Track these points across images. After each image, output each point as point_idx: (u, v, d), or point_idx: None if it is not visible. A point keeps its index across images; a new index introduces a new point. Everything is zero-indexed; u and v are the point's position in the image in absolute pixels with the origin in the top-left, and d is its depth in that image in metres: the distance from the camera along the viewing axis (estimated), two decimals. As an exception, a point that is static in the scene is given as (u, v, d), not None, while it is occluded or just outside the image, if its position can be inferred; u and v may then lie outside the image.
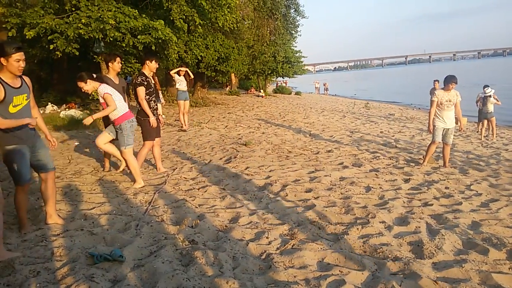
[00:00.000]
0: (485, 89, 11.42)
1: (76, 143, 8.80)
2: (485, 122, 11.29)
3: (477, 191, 5.49)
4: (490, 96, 11.19)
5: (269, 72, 32.42)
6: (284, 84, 42.76)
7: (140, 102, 5.77)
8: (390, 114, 17.26)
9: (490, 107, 11.13)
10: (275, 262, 3.30)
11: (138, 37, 10.96)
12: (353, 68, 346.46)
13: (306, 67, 42.94)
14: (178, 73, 11.10)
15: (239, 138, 9.79)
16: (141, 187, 5.44)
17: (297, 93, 36.26)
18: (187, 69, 11.50)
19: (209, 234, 3.88)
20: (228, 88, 33.03)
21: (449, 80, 6.78)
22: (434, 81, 13.93)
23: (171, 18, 12.20)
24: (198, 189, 5.48)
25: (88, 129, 10.47)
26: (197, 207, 4.67)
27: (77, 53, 10.56)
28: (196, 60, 16.86)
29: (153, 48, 11.58)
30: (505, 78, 44.77)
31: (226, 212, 4.54)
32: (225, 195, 5.17)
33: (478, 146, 9.57)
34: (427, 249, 3.56)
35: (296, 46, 34.16)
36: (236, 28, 17.12)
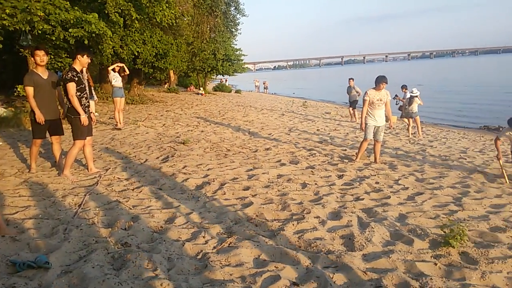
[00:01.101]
0: (412, 90, 12.16)
1: (0, 143, 8.17)
2: (410, 120, 12.02)
3: (404, 185, 5.83)
4: (416, 96, 11.93)
5: (209, 69, 32.18)
6: (224, 82, 42.72)
7: (70, 98, 5.48)
8: (326, 113, 17.86)
9: (415, 107, 11.88)
10: (211, 261, 3.27)
11: (70, 30, 10.38)
12: (292, 67, 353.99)
13: (246, 66, 43.16)
14: (113, 69, 10.68)
15: (177, 137, 9.62)
16: (71, 189, 5.16)
17: (237, 91, 36.37)
18: (123, 65, 11.09)
19: (143, 236, 3.77)
20: (166, 85, 32.32)
21: (380, 80, 7.12)
22: (349, 79, 14.72)
23: (106, 12, 11.70)
24: (133, 189, 5.30)
25: (13, 128, 9.75)
26: (131, 208, 4.52)
27: (0, 46, 9.79)
28: (133, 56, 16.32)
29: (86, 42, 11.02)
30: (432, 79, 48.10)
31: (162, 212, 4.44)
32: (161, 195, 5.05)
33: (406, 143, 10.18)
34: (357, 241, 3.72)
35: (236, 44, 34.24)
36: (175, 24, 16.77)
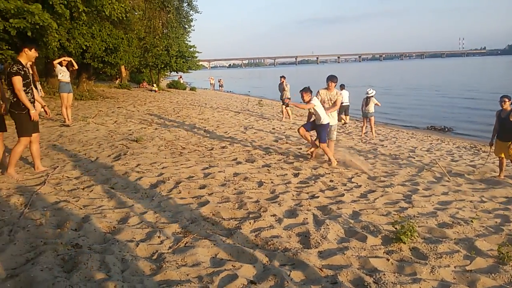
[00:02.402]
0: (367, 90, 12.53)
1: None
2: (365, 120, 12.40)
3: (357, 183, 6.00)
4: (372, 96, 12.29)
5: (162, 66, 31.54)
6: (179, 79, 42.05)
7: (17, 93, 5.15)
8: (281, 112, 18.02)
9: (371, 107, 12.24)
10: (167, 262, 3.20)
11: (10, 21, 9.77)
12: (247, 65, 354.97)
13: (200, 63, 42.68)
14: (60, 63, 10.16)
15: (130, 134, 9.33)
16: (16, 189, 4.85)
17: (192, 89, 35.94)
18: (71, 59, 10.59)
19: (95, 237, 3.61)
20: (118, 81, 31.34)
21: (328, 79, 7.30)
22: (280, 77, 14.94)
23: (51, 3, 11.10)
24: (83, 188, 5.07)
25: None
26: (81, 208, 4.32)
27: None
28: (81, 50, 15.67)
29: (29, 34, 10.42)
30: (382, 80, 49.98)
31: (115, 212, 4.27)
32: (113, 195, 4.86)
33: (359, 142, 10.48)
34: (313, 239, 3.77)
35: (190, 41, 33.76)
36: (125, 18, 16.24)
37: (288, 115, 14.68)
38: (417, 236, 3.83)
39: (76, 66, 10.81)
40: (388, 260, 3.40)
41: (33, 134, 5.50)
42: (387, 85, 42.67)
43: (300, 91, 7.29)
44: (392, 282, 2.99)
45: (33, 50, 5.32)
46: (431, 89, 35.58)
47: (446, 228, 4.18)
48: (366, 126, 12.36)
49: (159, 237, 3.69)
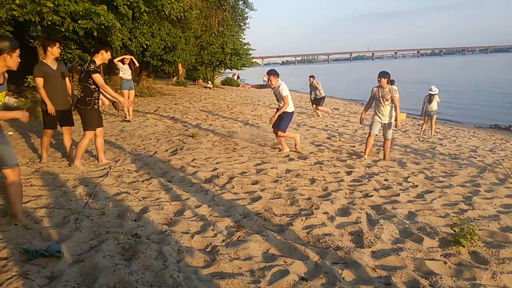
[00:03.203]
0: (431, 88, 12.03)
1: (10, 133, 8.23)
2: (426, 118, 11.91)
3: (413, 183, 5.80)
4: (435, 94, 11.80)
5: (217, 63, 32.16)
6: (233, 76, 42.67)
7: (102, 88, 5.61)
8: (335, 109, 17.77)
9: (434, 105, 11.75)
10: (220, 254, 3.28)
11: (79, 22, 10.40)
12: (300, 62, 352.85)
13: (254, 60, 43.04)
14: (122, 61, 10.70)
15: (186, 130, 9.64)
16: (81, 180, 5.20)
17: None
18: (132, 57, 11.11)
19: (153, 228, 3.79)
20: (175, 78, 32.37)
21: (379, 76, 7.07)
22: (310, 77, 14.43)
23: (115, 4, 11.69)
24: (142, 181, 5.33)
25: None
26: (140, 200, 4.55)
27: (10, 36, 9.83)
28: (141, 49, 16.34)
29: (95, 34, 11.04)
30: (441, 77, 47.69)
31: (171, 204, 4.46)
32: (170, 188, 5.07)
33: (416, 141, 10.11)
34: (366, 238, 3.71)
35: (244, 38, 34.18)
36: (183, 17, 16.75)
37: (317, 114, 14.34)
38: (477, 240, 3.64)
39: (137, 64, 11.34)
40: (445, 263, 3.27)
41: (97, 129, 5.86)
42: (446, 81, 40.63)
43: (267, 73, 7.32)
44: (449, 286, 2.88)
45: (108, 52, 5.70)
46: (494, 86, 33.42)
47: (509, 233, 3.94)
48: (427, 124, 11.87)
49: (213, 230, 3.80)
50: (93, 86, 5.59)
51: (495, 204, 4.96)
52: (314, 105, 14.61)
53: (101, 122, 5.97)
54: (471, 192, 5.44)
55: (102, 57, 5.66)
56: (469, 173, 6.59)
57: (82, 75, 5.59)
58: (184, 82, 29.43)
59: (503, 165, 6.92)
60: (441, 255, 3.46)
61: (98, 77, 5.53)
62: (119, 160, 6.41)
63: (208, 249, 3.43)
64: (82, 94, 5.60)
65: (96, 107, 5.75)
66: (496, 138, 11.62)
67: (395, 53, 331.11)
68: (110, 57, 5.81)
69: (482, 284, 2.95)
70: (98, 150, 6.12)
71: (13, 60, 3.40)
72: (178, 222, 3.91)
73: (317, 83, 14.23)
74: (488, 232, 3.97)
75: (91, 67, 5.51)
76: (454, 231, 3.68)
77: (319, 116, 14.22)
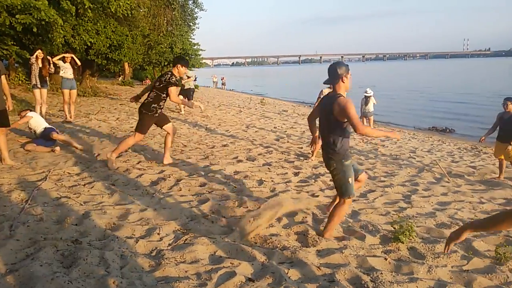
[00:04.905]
0: (366, 90, 12.54)
1: None
2: (364, 120, 12.40)
3: (357, 183, 6.00)
4: (371, 96, 12.30)
5: (166, 63, 31.52)
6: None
7: (174, 100, 5.96)
8: (284, 111, 18.03)
9: (371, 107, 12.25)
10: (166, 258, 3.23)
11: (17, 16, 9.81)
12: (250, 64, 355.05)
13: (204, 61, 42.66)
14: (63, 59, 10.19)
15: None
16: (17, 184, 4.89)
17: (195, 87, 35.92)
18: (73, 56, 10.61)
19: (95, 233, 3.64)
20: (121, 78, 31.36)
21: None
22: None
23: (57, -1, 11.17)
24: (84, 185, 5.10)
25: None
26: (82, 204, 4.35)
27: None
28: (85, 46, 15.68)
29: (35, 30, 10.46)
30: (385, 81, 49.93)
31: (115, 209, 4.30)
32: (114, 191, 4.89)
33: (360, 142, 10.47)
34: (311, 237, 3.79)
35: (194, 39, 33.74)
36: (130, 15, 16.26)
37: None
38: (415, 236, 3.84)
39: (79, 63, 10.85)
40: (386, 259, 3.42)
41: (165, 126, 6.27)
42: (390, 85, 42.63)
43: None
44: (389, 281, 3.01)
45: (184, 67, 5.98)
46: (433, 90, 35.49)
47: (444, 229, 4.19)
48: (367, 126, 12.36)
49: (158, 234, 3.72)
50: (163, 96, 5.89)
51: (432, 202, 5.25)
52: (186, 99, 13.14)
53: (167, 119, 6.30)
54: (410, 191, 5.73)
55: (179, 71, 5.96)
56: (409, 172, 6.93)
57: (161, 85, 5.85)
58: (131, 82, 28.61)
59: (440, 165, 7.34)
60: (382, 252, 3.61)
61: (174, 90, 5.87)
62: (59, 163, 6.10)
63: (153, 254, 3.35)
64: (150, 100, 5.89)
65: (157, 115, 6.00)
66: (433, 140, 12.31)
67: (342, 57, 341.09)
68: (186, 71, 6.15)
69: (419, 278, 3.11)
70: (167, 148, 6.40)
71: None
72: (122, 227, 3.79)
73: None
74: (425, 229, 4.20)
75: (173, 79, 5.81)
76: (394, 228, 3.86)
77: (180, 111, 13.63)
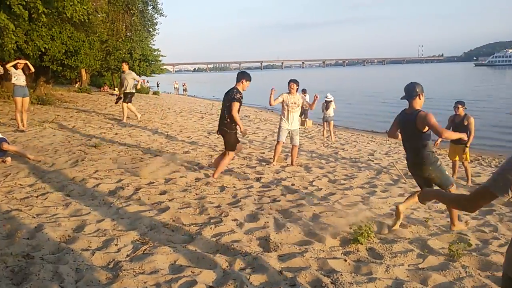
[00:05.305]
0: (327, 95, 12.81)
1: None
2: (325, 124, 12.65)
3: (318, 187, 6.09)
4: (331, 101, 12.57)
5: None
6: (143, 82, 41.34)
7: (233, 114, 5.97)
8: (246, 116, 18.09)
9: (331, 112, 12.51)
10: (124, 270, 3.13)
11: (-37, 21, 9.30)
12: (212, 70, 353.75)
13: (165, 67, 42.08)
14: (15, 66, 9.74)
15: (88, 140, 9.07)
16: None
17: (155, 93, 35.39)
18: (27, 62, 10.18)
19: (48, 247, 3.48)
20: (77, 84, 30.36)
21: (290, 82, 7.39)
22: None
23: (8, 3, 10.65)
24: (37, 196, 4.88)
25: None
26: (34, 217, 4.15)
27: None
28: (39, 52, 15.07)
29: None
30: (344, 87, 51.15)
31: (70, 220, 4.14)
32: (69, 202, 4.70)
33: (321, 146, 10.66)
34: (273, 242, 3.80)
35: (154, 44, 33.24)
36: (87, 21, 15.78)
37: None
38: (373, 237, 3.93)
39: (32, 69, 10.41)
40: (345, 260, 3.47)
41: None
42: (349, 90, 43.73)
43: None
44: (348, 282, 3.05)
45: (248, 82, 6.23)
46: (390, 94, 36.71)
47: (401, 228, 4.32)
48: (327, 130, 12.61)
49: (116, 245, 3.61)
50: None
51: (389, 203, 5.41)
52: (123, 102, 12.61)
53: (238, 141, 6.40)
54: (369, 193, 5.88)
55: (243, 85, 6.15)
56: (367, 175, 7.11)
57: (229, 103, 6.04)
58: (88, 88, 27.74)
59: (396, 167, 7.58)
60: (342, 253, 3.67)
61: (235, 106, 6.00)
62: (10, 174, 5.81)
63: (111, 266, 3.25)
64: (229, 120, 6.03)
65: (237, 131, 6.17)
66: (391, 143, 12.72)
67: (303, 63, 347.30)
68: (248, 85, 6.27)
69: (378, 277, 3.17)
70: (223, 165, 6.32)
71: None
72: (78, 239, 3.65)
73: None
74: (383, 229, 4.30)
75: (237, 95, 6.01)
76: (353, 230, 3.93)
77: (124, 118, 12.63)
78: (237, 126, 6.13)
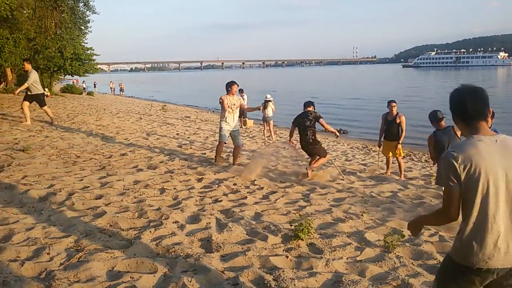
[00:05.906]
0: (266, 95, 12.97)
1: None
2: (265, 124, 12.81)
3: (259, 186, 6.15)
4: (270, 101, 12.74)
5: (55, 69, 29.20)
6: (76, 83, 39.36)
7: (326, 127, 7.10)
8: (186, 117, 17.84)
9: (270, 112, 12.68)
10: (57, 280, 2.95)
11: None
12: (150, 70, 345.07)
13: (99, 66, 40.31)
14: None
15: (16, 143, 8.44)
16: None
17: (89, 93, 33.84)
18: None
19: (-31, 260, 3.19)
20: (2, 85, 28.28)
21: (230, 85, 7.38)
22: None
23: None
24: (-44, 206, 4.46)
25: None
26: (-48, 229, 3.79)
27: None
28: (-44, 50, 13.85)
29: None
30: (285, 87, 52.16)
31: (-5, 230, 3.83)
32: (-6, 211, 4.35)
33: (262, 146, 10.77)
34: (215, 243, 3.77)
35: (87, 43, 31.72)
36: (11, 17, 14.72)
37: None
38: (314, 232, 4.03)
39: None
40: (287, 257, 3.53)
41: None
42: (288, 90, 44.67)
43: None
44: (290, 278, 3.10)
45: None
46: (328, 94, 38.06)
47: (340, 222, 4.47)
48: (268, 130, 12.77)
49: (48, 253, 3.39)
50: (314, 128, 7.03)
51: (328, 199, 5.59)
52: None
53: None
54: (309, 190, 6.03)
55: (313, 108, 7.30)
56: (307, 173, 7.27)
57: (312, 122, 6.95)
58: (14, 89, 25.91)
59: (335, 164, 7.85)
60: (283, 250, 3.72)
61: (323, 121, 7.05)
62: None
63: (43, 276, 3.05)
64: (313, 136, 6.98)
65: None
66: (329, 141, 13.16)
67: (243, 63, 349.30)
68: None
69: (318, 271, 3.26)
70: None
71: None
72: (4, 250, 3.39)
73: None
74: (322, 225, 4.43)
75: (318, 114, 7.04)
76: (294, 226, 4.00)
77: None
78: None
